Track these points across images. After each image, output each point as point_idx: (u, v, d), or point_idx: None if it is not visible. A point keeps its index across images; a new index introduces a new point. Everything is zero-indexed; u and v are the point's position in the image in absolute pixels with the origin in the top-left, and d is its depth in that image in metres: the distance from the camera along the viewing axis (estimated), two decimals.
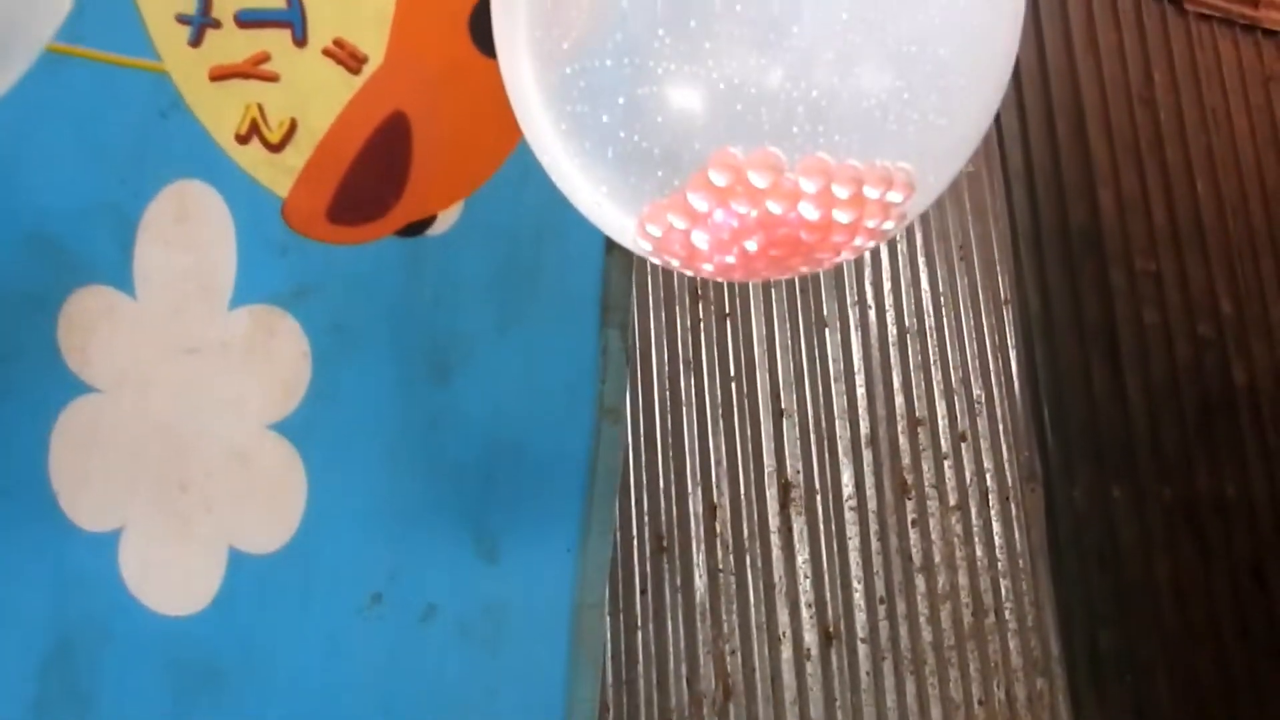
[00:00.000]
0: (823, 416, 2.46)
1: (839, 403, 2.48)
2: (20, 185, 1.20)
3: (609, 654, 2.01)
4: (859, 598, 2.36)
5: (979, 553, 2.52)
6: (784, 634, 2.27)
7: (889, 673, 2.24)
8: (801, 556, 2.35)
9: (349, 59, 1.34)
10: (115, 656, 1.17)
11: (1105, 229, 2.96)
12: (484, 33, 1.35)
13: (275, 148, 1.30)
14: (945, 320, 2.66)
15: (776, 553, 2.33)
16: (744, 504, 2.34)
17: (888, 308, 2.59)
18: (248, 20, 1.32)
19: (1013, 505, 2.59)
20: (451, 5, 1.34)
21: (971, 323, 2.69)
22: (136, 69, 1.27)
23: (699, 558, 2.27)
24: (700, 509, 2.29)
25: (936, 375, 2.61)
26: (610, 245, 1.36)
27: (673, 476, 2.29)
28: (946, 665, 2.30)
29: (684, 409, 2.34)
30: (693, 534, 2.27)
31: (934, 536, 2.47)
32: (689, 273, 0.99)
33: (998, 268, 2.74)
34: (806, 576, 2.33)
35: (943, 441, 2.58)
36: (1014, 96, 2.90)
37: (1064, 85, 3.02)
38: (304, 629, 1.23)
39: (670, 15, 0.78)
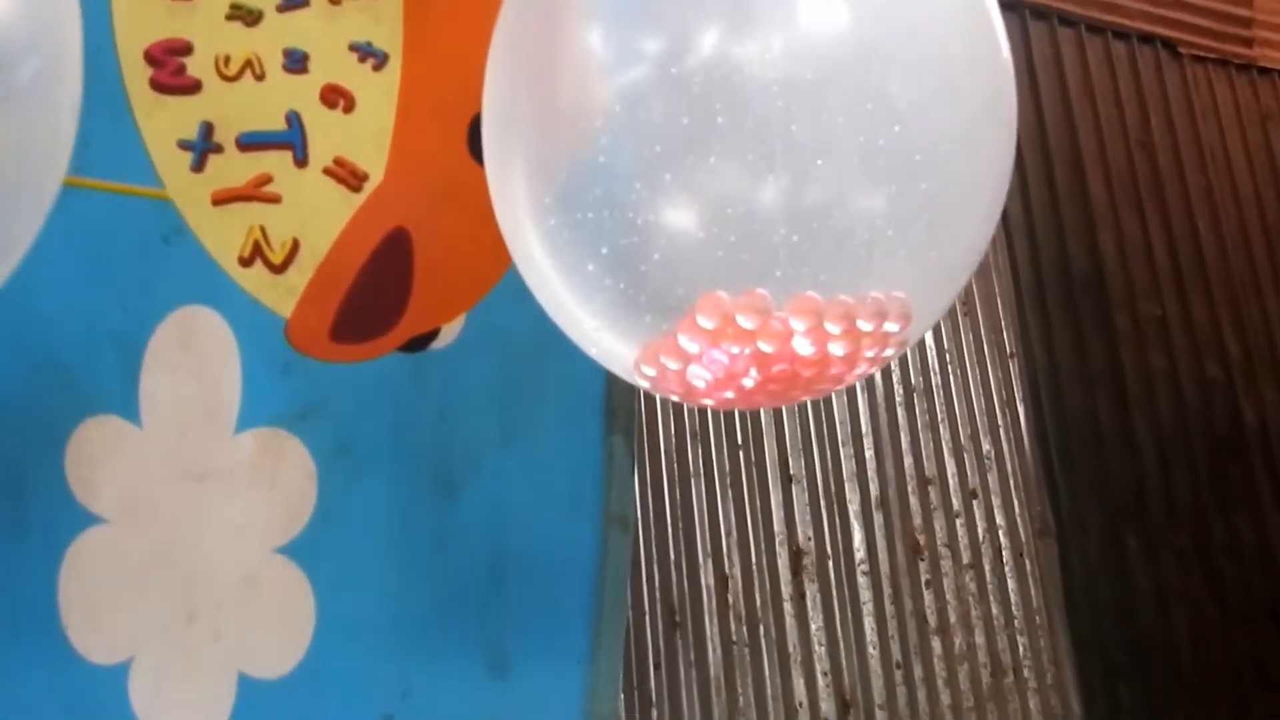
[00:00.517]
0: (831, 480, 2.45)
1: (847, 466, 2.48)
2: (28, 316, 1.21)
3: None
4: (875, 663, 2.34)
5: (994, 611, 2.50)
6: (801, 704, 2.26)
7: None
8: (815, 624, 2.33)
9: (350, 177, 1.36)
10: None
11: (1108, 274, 2.96)
12: (482, 146, 1.36)
13: (278, 269, 1.31)
14: (951, 377, 2.65)
15: (790, 621, 2.32)
16: (755, 573, 2.33)
17: (893, 367, 2.59)
18: (249, 143, 1.34)
19: (1026, 560, 2.57)
20: (450, 120, 1.36)
21: (978, 378, 2.68)
22: (140, 196, 1.28)
23: (712, 630, 2.26)
24: (712, 581, 2.28)
25: (944, 433, 2.60)
26: None
27: (683, 549, 2.28)
28: None
29: (692, 480, 2.33)
30: (705, 606, 2.26)
31: (948, 596, 2.46)
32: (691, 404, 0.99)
33: (1002, 321, 2.74)
34: (821, 644, 2.32)
35: (953, 499, 2.57)
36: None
37: (1061, 132, 3.03)
38: None
39: (645, 169, 0.79)
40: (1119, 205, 3.04)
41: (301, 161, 1.35)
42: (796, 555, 2.37)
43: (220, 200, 1.32)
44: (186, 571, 1.23)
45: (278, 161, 1.34)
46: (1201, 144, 3.24)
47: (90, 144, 1.21)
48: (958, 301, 2.73)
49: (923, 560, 2.48)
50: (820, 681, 2.28)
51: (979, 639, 2.44)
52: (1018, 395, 2.68)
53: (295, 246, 1.33)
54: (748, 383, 0.87)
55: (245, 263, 1.31)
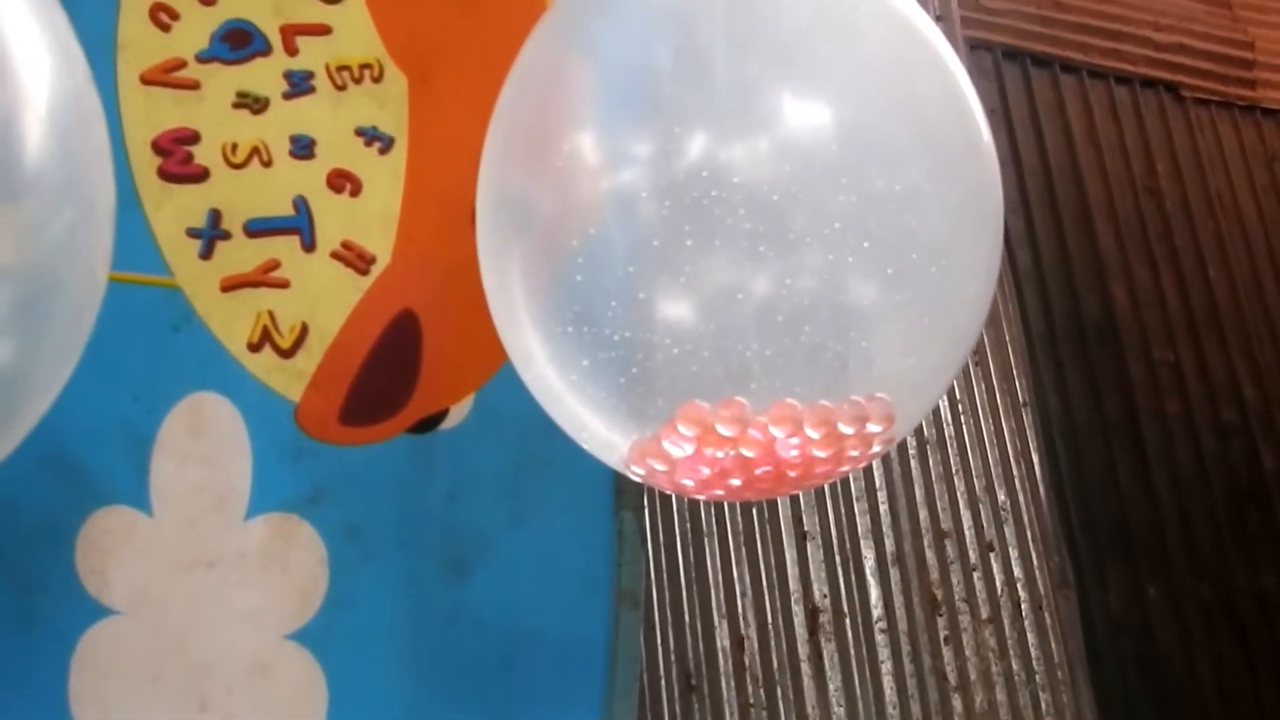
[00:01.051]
0: (846, 536, 2.44)
1: (862, 521, 2.46)
2: None
3: None
4: None
5: (1015, 666, 2.47)
6: None
7: None
8: (834, 684, 2.31)
9: (357, 260, 1.37)
10: None
11: (1120, 322, 2.96)
12: None
13: (287, 353, 1.32)
14: (965, 428, 2.64)
15: (808, 682, 2.29)
16: (772, 634, 2.30)
17: None
18: (257, 229, 1.35)
19: (1046, 614, 2.54)
20: (456, 202, 1.37)
21: (991, 429, 2.67)
22: (149, 285, 1.30)
23: (729, 694, 2.23)
24: (728, 643, 2.26)
25: (959, 485, 2.58)
26: None
27: (698, 610, 2.26)
28: None
29: (705, 540, 2.32)
30: (721, 670, 2.23)
31: (968, 653, 2.43)
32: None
33: (1014, 371, 2.73)
34: (840, 704, 2.29)
35: (970, 553, 2.55)
36: (1018, 197, 2.92)
37: (1067, 181, 3.04)
38: None
39: (619, 288, 0.81)
40: (1128, 251, 3.04)
41: (309, 246, 1.36)
42: (813, 614, 2.35)
43: (229, 286, 1.33)
44: (198, 660, 1.22)
45: (285, 247, 1.36)
46: (1209, 187, 3.25)
47: None
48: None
49: (941, 616, 2.45)
50: None
51: (1000, 696, 2.41)
52: (1032, 445, 2.66)
53: (304, 331, 1.34)
54: (735, 482, 0.89)
55: (254, 348, 1.32)
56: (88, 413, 1.23)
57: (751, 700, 2.17)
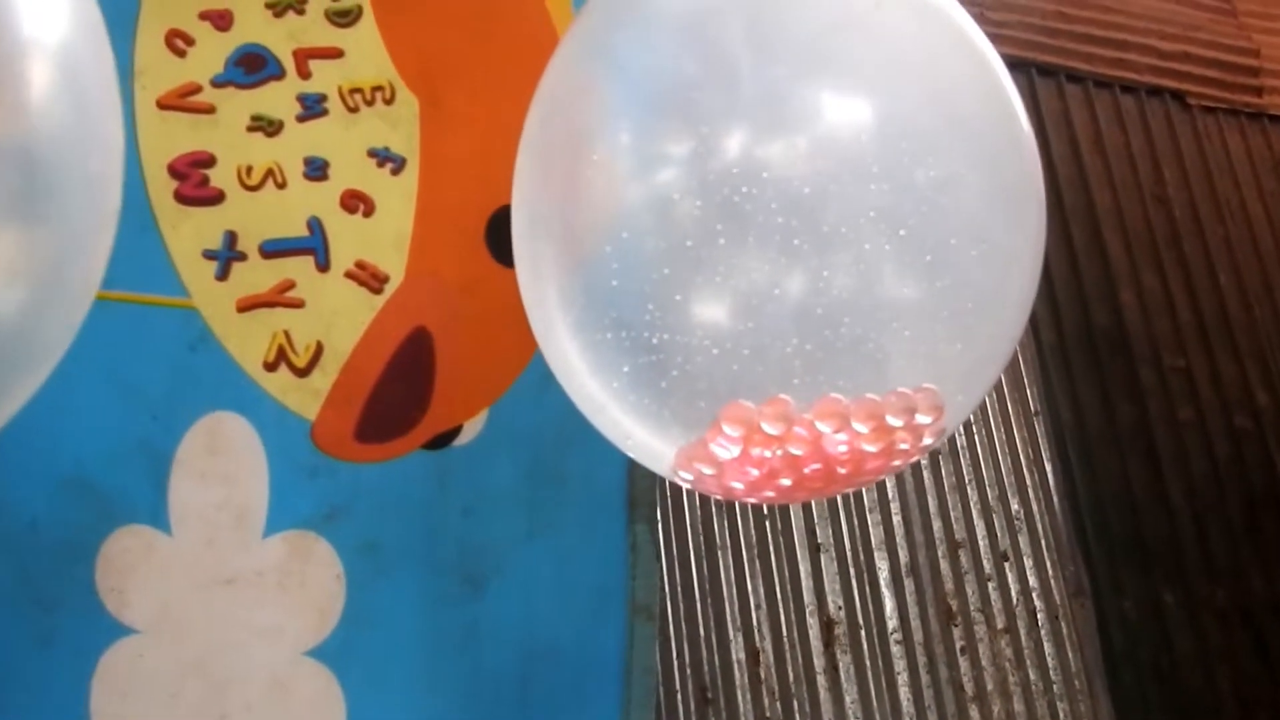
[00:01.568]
0: (860, 548, 2.43)
1: (875, 533, 2.46)
2: (57, 431, 1.23)
3: None
4: None
5: (1032, 676, 2.46)
6: None
7: None
8: (850, 696, 2.30)
9: (371, 280, 1.39)
10: None
11: (1130, 329, 2.95)
12: (499, 243, 1.39)
13: (302, 372, 1.34)
14: (977, 438, 2.64)
15: (824, 694, 2.29)
16: (787, 646, 2.30)
17: None
18: (272, 250, 1.37)
19: (1062, 623, 2.53)
20: (467, 220, 1.39)
21: (1003, 438, 2.66)
22: (166, 307, 1.32)
23: (745, 707, 2.23)
24: (743, 655, 2.26)
25: (973, 495, 2.58)
26: None
27: (713, 624, 2.26)
28: None
29: (719, 553, 2.32)
30: (737, 683, 2.23)
31: (984, 663, 2.42)
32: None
33: (1025, 380, 2.73)
34: (857, 717, 2.28)
35: (985, 563, 2.54)
36: None
37: (1075, 190, 3.04)
38: None
39: (655, 290, 0.80)
40: (1137, 259, 3.04)
41: (323, 266, 1.38)
42: (828, 626, 2.35)
43: (245, 307, 1.35)
44: (218, 678, 1.23)
45: (300, 267, 1.37)
46: (1217, 194, 3.24)
47: (117, 258, 1.24)
48: None
49: (956, 626, 2.44)
50: None
51: (1018, 706, 2.40)
52: (1044, 454, 2.66)
53: (319, 349, 1.35)
54: (785, 482, 0.87)
55: (270, 367, 1.34)
56: (107, 433, 1.25)
57: (768, 713, 2.17)
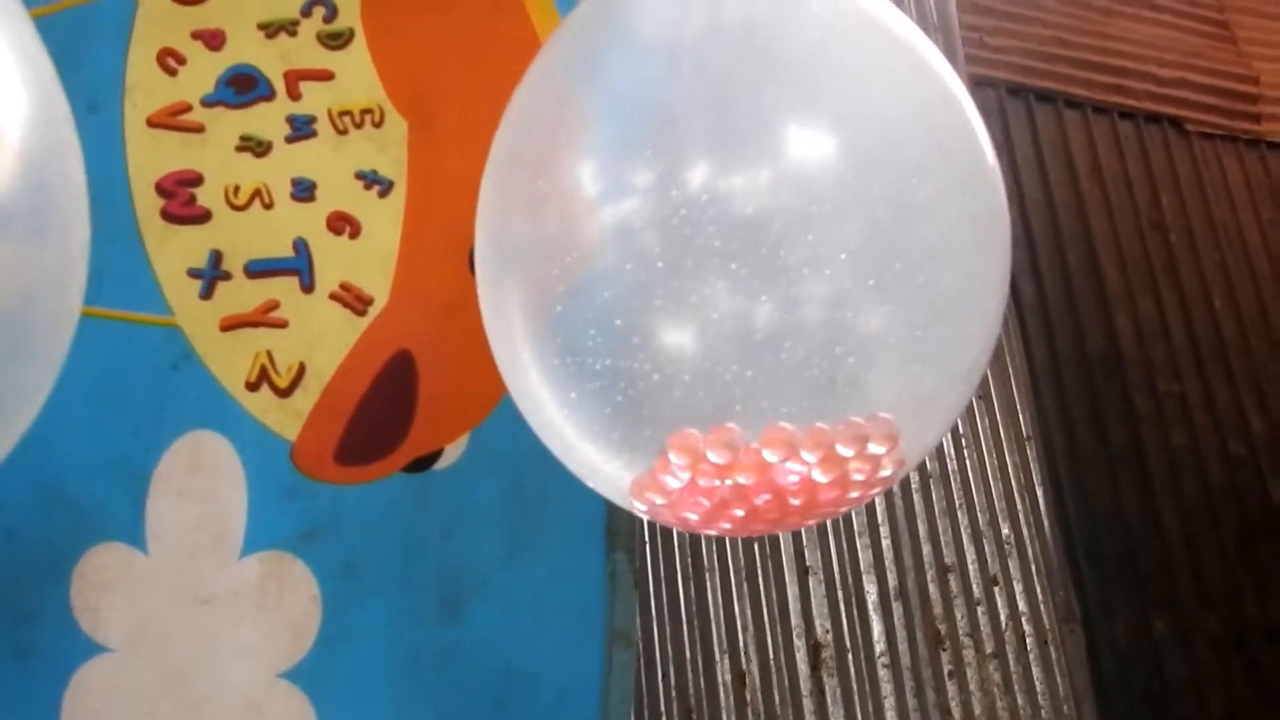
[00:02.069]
0: (849, 571, 2.43)
1: (864, 555, 2.45)
2: (39, 445, 1.23)
3: None
4: None
5: (1021, 702, 2.45)
6: None
7: None
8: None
9: (355, 301, 1.39)
10: None
11: (1125, 354, 2.95)
12: None
13: (284, 392, 1.34)
14: (968, 461, 2.63)
15: (810, 718, 2.28)
16: (774, 669, 2.29)
17: None
18: (257, 270, 1.38)
19: (1052, 649, 2.52)
20: (453, 244, 1.39)
21: (995, 462, 2.66)
22: (150, 324, 1.32)
23: None
24: (729, 679, 2.25)
25: (963, 519, 2.57)
26: None
27: (699, 646, 2.25)
28: None
29: (706, 575, 2.32)
30: (723, 706, 2.22)
31: (973, 688, 2.41)
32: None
33: (1018, 404, 2.72)
34: None
35: (974, 587, 2.53)
36: (1022, 230, 2.93)
37: (1071, 215, 3.05)
38: None
39: (597, 316, 0.80)
40: (1133, 285, 3.04)
41: (308, 287, 1.38)
42: (815, 649, 2.34)
43: (228, 326, 1.35)
44: (192, 698, 1.23)
45: (285, 287, 1.38)
46: (1214, 220, 3.24)
47: (104, 275, 1.25)
48: None
49: (945, 651, 2.44)
50: None
51: None
52: (1036, 479, 2.65)
53: (301, 370, 1.35)
54: (739, 512, 0.86)
55: (252, 387, 1.34)
56: (88, 448, 1.25)
57: None
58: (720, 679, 2.19)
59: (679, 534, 2.27)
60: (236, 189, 1.40)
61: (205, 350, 1.34)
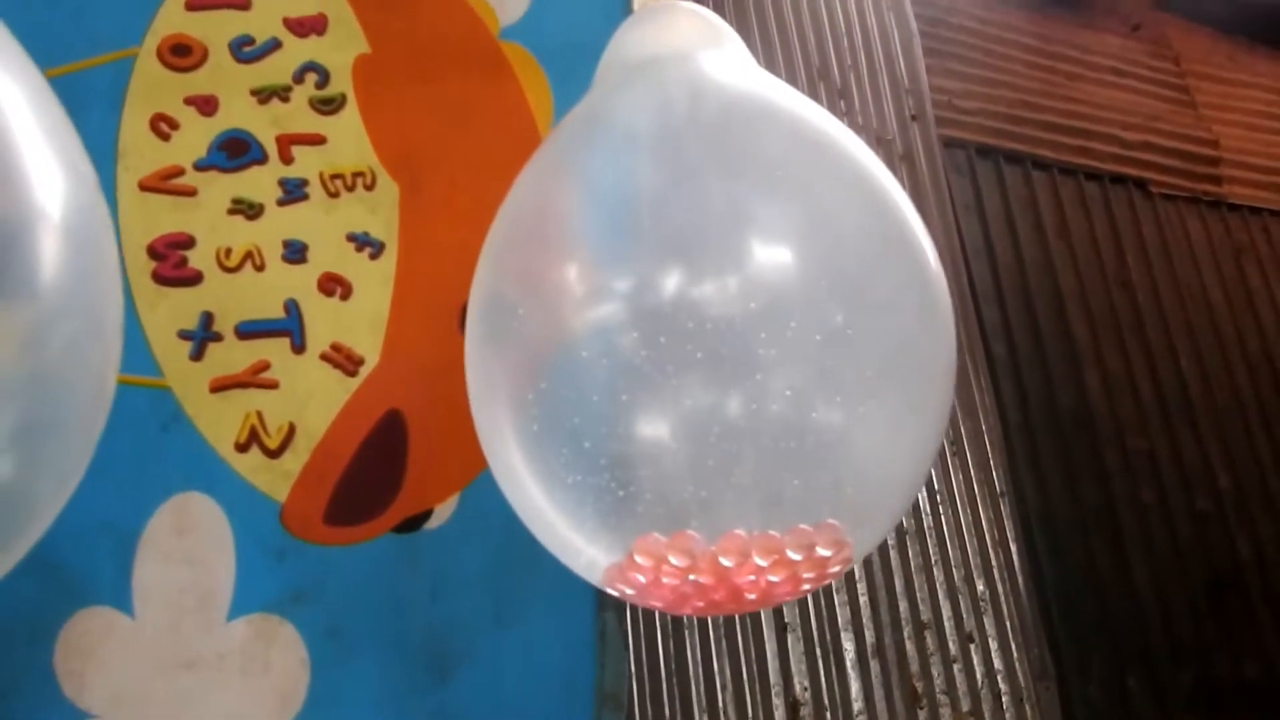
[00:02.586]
0: (827, 629, 2.43)
1: (842, 613, 2.46)
2: None
3: None
4: None
5: None
6: None
7: None
8: None
9: (346, 362, 1.40)
10: None
11: (1094, 410, 3.00)
12: None
13: (274, 453, 1.34)
14: (943, 518, 2.66)
15: None
16: None
17: None
18: (248, 331, 1.38)
19: (1028, 706, 2.53)
20: (443, 305, 1.41)
21: (969, 518, 2.69)
22: (140, 386, 1.32)
23: None
24: None
25: (939, 575, 2.59)
26: None
27: (679, 704, 2.24)
28: None
29: (685, 631, 2.31)
30: None
31: None
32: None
33: (991, 461, 2.76)
34: None
35: (950, 644, 2.55)
36: (993, 288, 2.98)
37: (1040, 273, 3.11)
38: None
39: (568, 438, 0.86)
40: (1101, 343, 3.10)
41: (299, 348, 1.39)
42: (794, 707, 2.34)
43: (218, 387, 1.35)
44: None
45: (276, 348, 1.38)
46: (1178, 280, 3.32)
47: None
48: (946, 441, 2.75)
49: (922, 709, 2.45)
50: None
51: None
52: (1010, 535, 2.68)
53: (291, 431, 1.36)
54: (699, 604, 0.91)
55: (241, 448, 1.34)
56: (73, 512, 1.23)
57: None
58: None
59: None
60: (228, 251, 1.41)
61: (195, 411, 1.34)
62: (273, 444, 1.34)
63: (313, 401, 1.38)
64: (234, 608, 1.29)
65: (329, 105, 1.50)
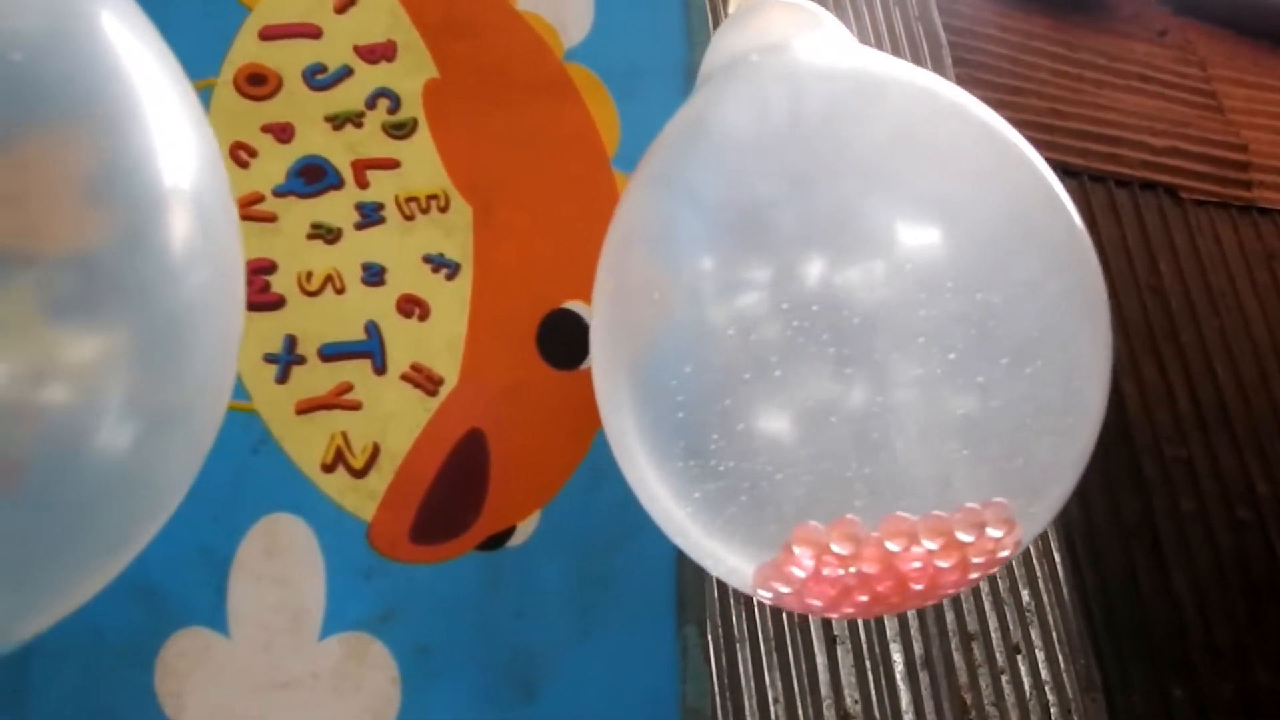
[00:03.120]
0: (875, 641, 2.43)
1: (890, 624, 2.46)
2: None
3: None
4: None
5: None
6: None
7: None
8: None
9: (426, 382, 1.42)
10: None
11: (1132, 420, 3.00)
12: (549, 347, 1.43)
13: (359, 473, 1.36)
14: None
15: None
16: None
17: None
18: (330, 354, 1.40)
19: (1075, 717, 2.53)
20: (519, 326, 1.43)
21: None
22: (230, 410, 1.33)
23: None
24: None
25: (984, 585, 2.59)
26: None
27: (731, 718, 2.25)
28: None
29: (737, 646, 2.32)
30: None
31: None
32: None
33: None
34: None
35: (998, 655, 2.54)
36: None
37: None
38: None
39: (719, 420, 0.83)
40: (1136, 351, 3.09)
41: (380, 369, 1.41)
42: (845, 719, 2.34)
43: (303, 409, 1.37)
44: None
45: (357, 370, 1.40)
46: (1211, 287, 3.32)
47: None
48: None
49: None
50: None
51: None
52: (1054, 545, 2.68)
53: (375, 451, 1.37)
54: (863, 598, 0.89)
55: (328, 469, 1.36)
56: (171, 538, 1.25)
57: None
58: None
59: (709, 599, 2.27)
60: (309, 275, 1.43)
61: (282, 433, 1.36)
62: (358, 464, 1.36)
63: (395, 422, 1.39)
64: (325, 627, 1.30)
65: (401, 130, 1.52)
